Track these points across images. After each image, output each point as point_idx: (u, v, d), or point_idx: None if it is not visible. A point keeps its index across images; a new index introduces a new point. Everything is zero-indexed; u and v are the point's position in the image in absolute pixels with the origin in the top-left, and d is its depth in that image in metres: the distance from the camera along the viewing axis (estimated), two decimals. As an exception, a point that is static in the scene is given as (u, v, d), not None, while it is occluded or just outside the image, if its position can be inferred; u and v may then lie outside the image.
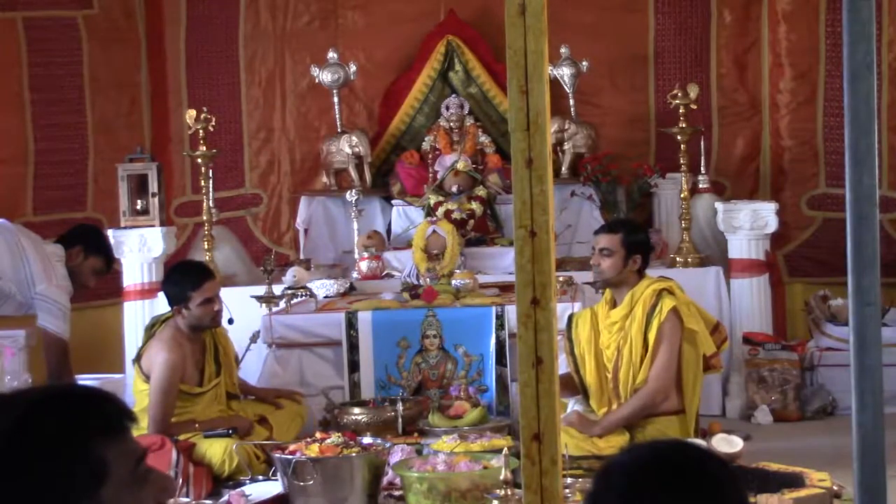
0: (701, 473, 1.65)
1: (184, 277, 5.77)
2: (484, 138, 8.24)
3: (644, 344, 5.35)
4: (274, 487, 4.97)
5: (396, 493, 4.96)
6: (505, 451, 4.52)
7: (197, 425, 5.52)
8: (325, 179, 8.38)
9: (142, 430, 5.40)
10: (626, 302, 5.47)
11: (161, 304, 7.06)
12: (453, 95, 8.31)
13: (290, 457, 4.74)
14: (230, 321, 6.03)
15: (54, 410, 1.62)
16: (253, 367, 6.46)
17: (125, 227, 7.60)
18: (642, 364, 5.33)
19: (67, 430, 1.60)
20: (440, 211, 7.70)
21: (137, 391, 5.67)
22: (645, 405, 5.32)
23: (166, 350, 5.55)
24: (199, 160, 7.63)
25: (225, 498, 4.94)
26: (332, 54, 8.18)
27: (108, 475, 1.60)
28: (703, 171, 7.94)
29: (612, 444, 5.14)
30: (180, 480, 5.13)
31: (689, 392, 5.33)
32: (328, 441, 4.86)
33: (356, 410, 5.74)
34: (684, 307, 5.33)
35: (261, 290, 6.75)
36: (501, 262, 7.53)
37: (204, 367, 5.73)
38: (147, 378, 5.57)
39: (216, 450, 5.35)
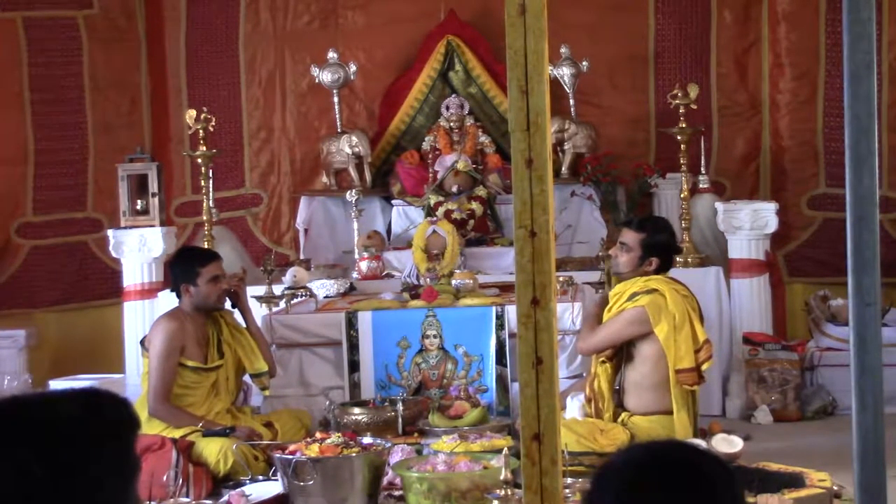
0: (697, 473, 1.65)
1: (192, 256, 5.99)
2: (484, 138, 8.23)
3: None
4: (274, 487, 4.97)
5: (396, 493, 4.96)
6: (505, 451, 4.52)
7: (201, 424, 5.54)
8: (325, 179, 8.38)
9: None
10: (622, 284, 5.54)
11: (161, 305, 7.07)
12: (453, 95, 8.30)
13: (290, 457, 4.74)
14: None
15: (111, 403, 1.76)
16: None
17: (125, 227, 7.62)
18: None
19: (122, 425, 1.75)
20: (440, 211, 7.70)
21: (144, 375, 5.75)
22: (583, 340, 5.61)
23: (165, 320, 5.72)
24: (199, 160, 7.62)
25: (225, 498, 4.94)
26: (332, 54, 8.18)
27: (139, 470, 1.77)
28: (703, 171, 7.93)
29: (613, 441, 5.15)
30: (181, 480, 5.13)
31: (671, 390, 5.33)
32: (328, 441, 4.86)
33: (356, 410, 5.74)
34: (663, 311, 5.30)
35: (261, 290, 6.75)
36: (501, 262, 7.52)
37: (207, 352, 5.76)
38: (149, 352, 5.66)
39: (212, 449, 5.36)
